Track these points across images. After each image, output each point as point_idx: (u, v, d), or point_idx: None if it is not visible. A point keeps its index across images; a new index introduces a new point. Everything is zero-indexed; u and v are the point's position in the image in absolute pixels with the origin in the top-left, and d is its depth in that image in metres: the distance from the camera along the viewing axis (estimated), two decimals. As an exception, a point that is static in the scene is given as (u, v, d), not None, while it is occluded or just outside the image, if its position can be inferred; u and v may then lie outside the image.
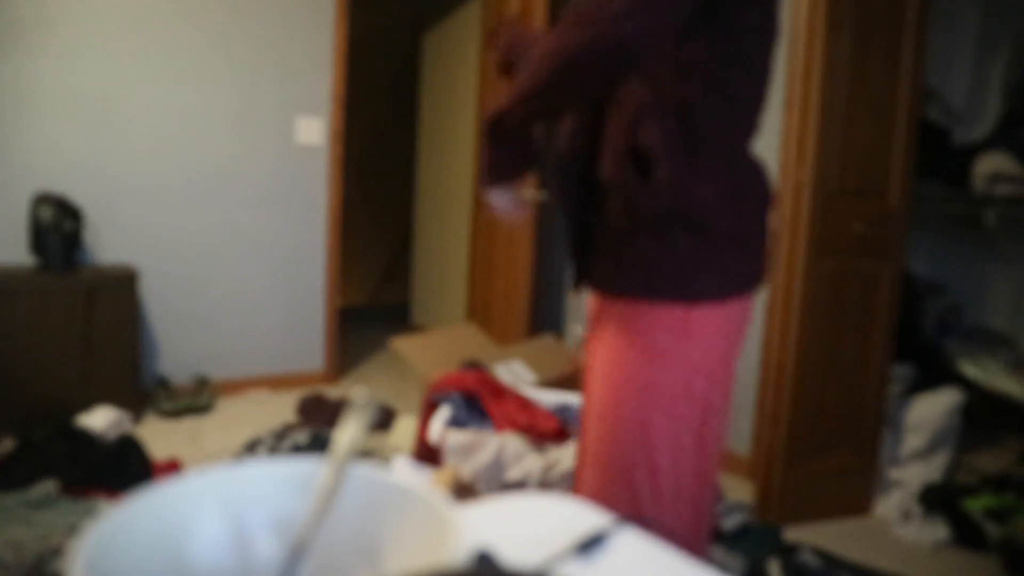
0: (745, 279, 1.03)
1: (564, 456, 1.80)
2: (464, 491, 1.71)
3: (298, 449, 2.62)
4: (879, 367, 2.44)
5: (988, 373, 2.59)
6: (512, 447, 1.85)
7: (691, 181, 0.98)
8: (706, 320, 1.00)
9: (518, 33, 1.25)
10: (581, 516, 0.74)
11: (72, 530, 1.94)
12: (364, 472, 0.50)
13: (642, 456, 1.01)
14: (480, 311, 3.78)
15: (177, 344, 3.35)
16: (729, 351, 1.04)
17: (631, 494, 1.03)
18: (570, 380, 2.80)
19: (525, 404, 2.10)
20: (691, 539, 1.05)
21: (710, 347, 1.01)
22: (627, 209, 1.01)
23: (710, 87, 0.97)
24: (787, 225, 2.25)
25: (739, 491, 2.50)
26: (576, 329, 3.56)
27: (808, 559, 2.11)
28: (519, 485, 1.75)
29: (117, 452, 2.31)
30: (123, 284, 2.92)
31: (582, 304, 3.57)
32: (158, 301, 3.29)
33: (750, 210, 1.02)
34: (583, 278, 1.14)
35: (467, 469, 1.83)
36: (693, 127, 0.98)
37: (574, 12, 0.90)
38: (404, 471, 1.84)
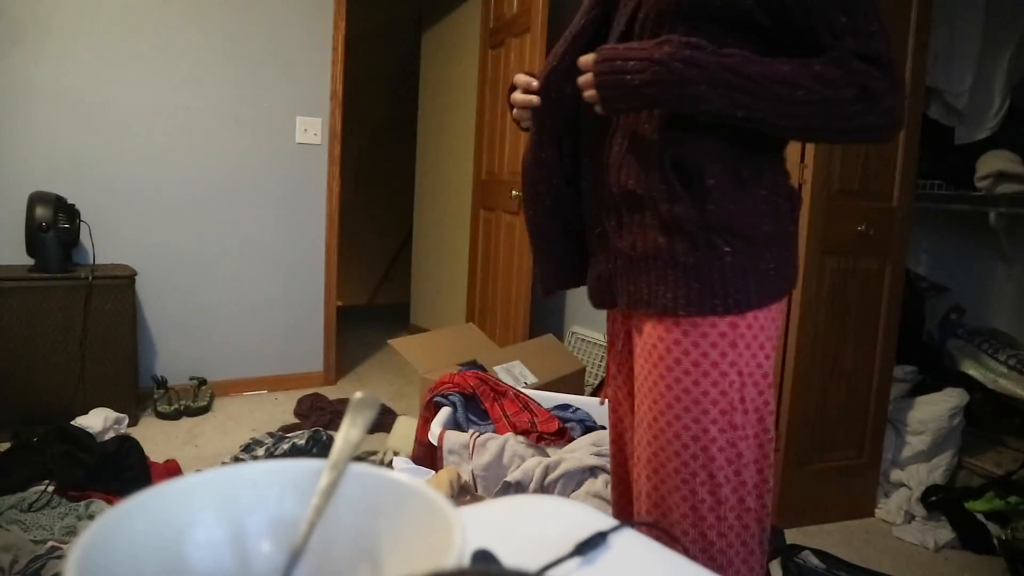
0: (784, 283, 1.03)
1: (564, 457, 1.78)
2: (464, 492, 1.70)
3: (297, 450, 2.61)
4: (881, 368, 2.43)
5: (991, 374, 2.57)
6: (512, 448, 1.83)
7: (736, 189, 0.97)
8: (752, 328, 1.00)
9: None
10: (581, 517, 0.73)
11: (69, 532, 1.93)
12: (363, 472, 0.49)
13: (703, 472, 1.00)
14: (480, 311, 3.77)
15: (175, 345, 3.34)
16: (772, 356, 1.03)
17: (694, 513, 1.01)
18: (570, 381, 2.79)
19: (525, 405, 2.09)
20: (759, 553, 1.03)
21: (757, 354, 1.00)
22: (666, 222, 0.98)
23: None
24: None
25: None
26: (577, 330, 3.55)
27: (810, 561, 2.10)
28: (519, 486, 1.74)
29: (114, 454, 2.30)
30: (120, 284, 2.91)
31: (582, 304, 3.56)
32: (156, 301, 3.27)
33: (786, 214, 1.02)
34: (604, 299, 1.11)
35: (467, 470, 1.81)
36: (740, 135, 0.98)
37: (862, 72, 0.89)
38: (405, 472, 1.82)
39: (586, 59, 0.99)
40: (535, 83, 1.12)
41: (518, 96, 1.14)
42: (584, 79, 0.99)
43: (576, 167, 1.15)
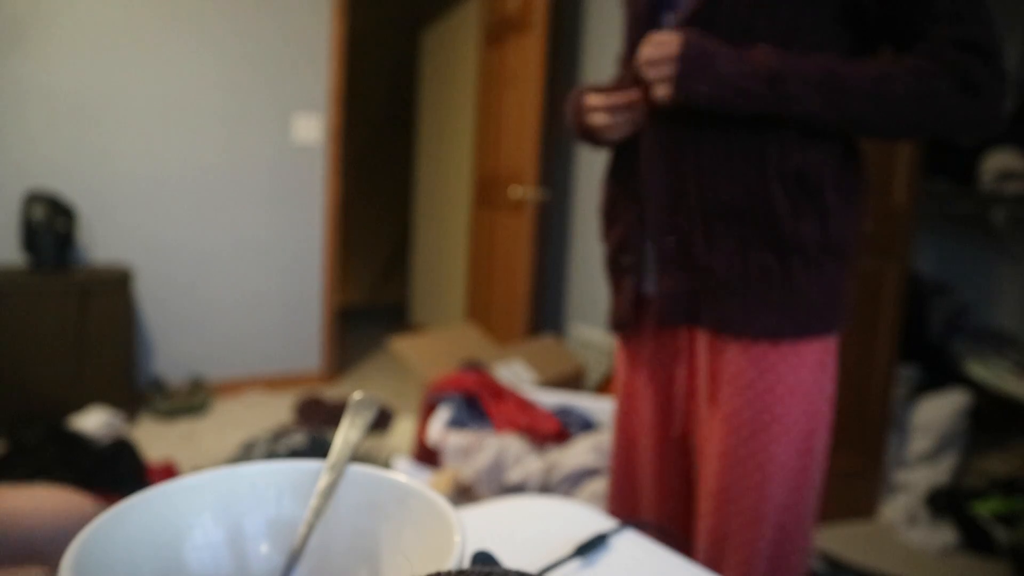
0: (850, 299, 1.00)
1: (564, 457, 1.77)
2: (464, 493, 1.69)
3: (295, 451, 2.59)
4: (885, 368, 2.42)
5: (996, 374, 2.56)
6: (512, 448, 1.82)
7: (846, 205, 0.93)
8: (834, 349, 0.98)
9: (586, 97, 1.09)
10: (581, 518, 0.73)
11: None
12: (362, 473, 0.49)
13: (789, 499, 0.96)
14: (480, 311, 3.75)
15: (172, 344, 3.32)
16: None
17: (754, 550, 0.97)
18: (570, 381, 2.78)
19: (525, 405, 2.08)
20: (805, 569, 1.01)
21: (835, 377, 0.98)
22: (784, 241, 0.91)
23: None
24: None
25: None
26: (580, 330, 3.54)
27: (813, 563, 2.08)
28: (519, 487, 1.72)
29: (111, 454, 2.29)
30: (117, 283, 2.89)
31: (582, 304, 3.55)
32: (153, 301, 3.26)
33: (861, 228, 0.99)
34: (676, 318, 1.00)
35: (467, 470, 1.80)
36: (851, 146, 0.94)
37: (965, 64, 0.84)
38: (404, 472, 1.81)
39: (667, 36, 0.90)
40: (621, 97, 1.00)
41: (602, 117, 1.01)
42: (659, 53, 0.89)
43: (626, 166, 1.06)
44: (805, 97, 0.85)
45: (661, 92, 0.91)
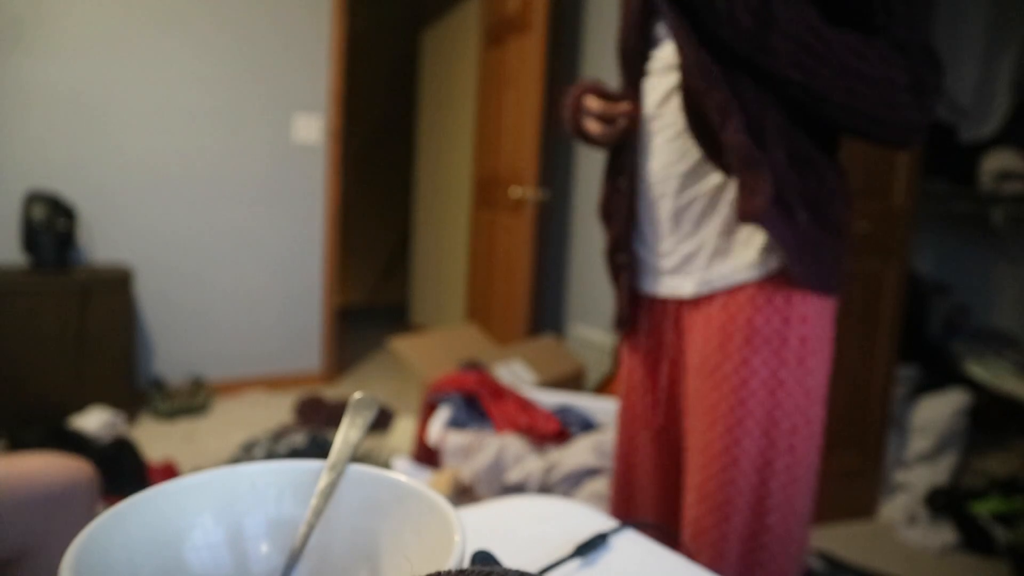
0: (836, 279, 0.99)
1: (564, 457, 1.77)
2: (465, 493, 1.69)
3: (295, 451, 2.59)
4: (884, 368, 2.42)
5: (995, 374, 2.56)
6: (512, 448, 1.82)
7: (819, 166, 0.94)
8: (826, 349, 0.97)
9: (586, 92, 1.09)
10: (581, 517, 0.73)
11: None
12: (362, 473, 0.49)
13: (765, 492, 0.96)
14: (480, 311, 3.75)
15: (172, 344, 3.32)
16: (831, 362, 1.01)
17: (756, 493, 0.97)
18: (570, 380, 2.78)
19: (525, 405, 2.08)
20: (803, 552, 1.00)
21: (825, 378, 0.97)
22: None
23: None
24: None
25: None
26: (580, 330, 3.54)
27: (812, 562, 2.08)
28: (519, 487, 1.72)
29: (111, 454, 2.29)
30: (117, 283, 2.89)
31: (583, 303, 3.55)
32: (153, 301, 3.26)
33: (846, 216, 1.00)
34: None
35: (467, 470, 1.80)
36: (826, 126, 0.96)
37: (916, 66, 0.85)
38: (404, 472, 1.81)
39: None
40: (621, 106, 1.01)
41: (609, 130, 1.02)
42: None
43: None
44: (782, 53, 0.85)
45: None
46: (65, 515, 1.01)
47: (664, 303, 1.08)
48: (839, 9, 0.89)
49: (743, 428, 0.94)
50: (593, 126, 1.02)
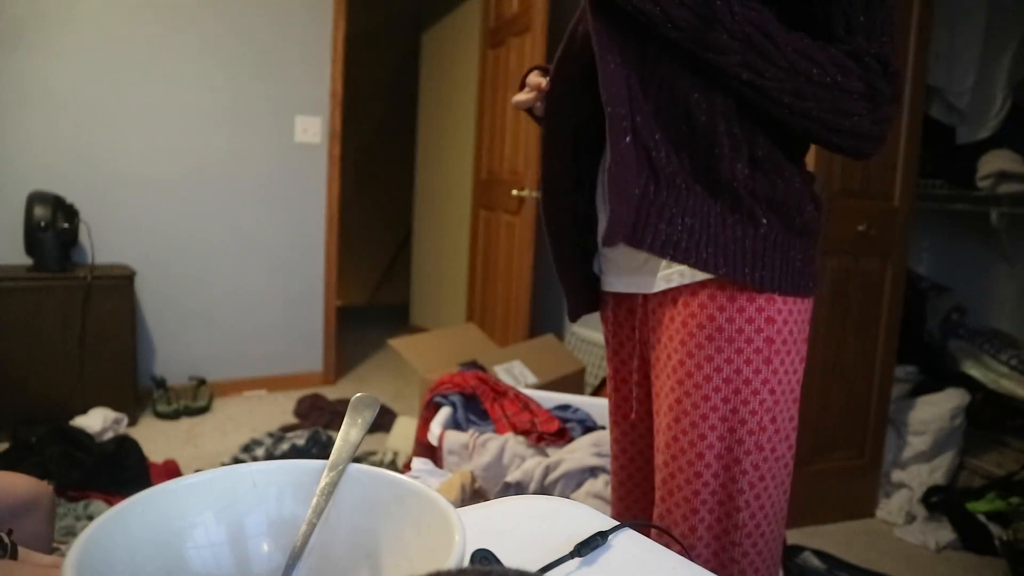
0: (808, 280, 0.98)
1: (564, 458, 1.78)
2: (477, 495, 1.69)
3: (296, 450, 2.60)
4: (882, 368, 2.43)
5: (993, 374, 2.57)
6: (512, 448, 1.83)
7: (781, 168, 0.93)
8: (785, 317, 0.96)
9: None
10: (581, 517, 0.73)
11: (68, 533, 1.92)
12: (363, 473, 0.49)
13: (733, 461, 0.96)
14: (480, 311, 3.76)
15: (174, 345, 3.33)
16: (803, 364, 1.01)
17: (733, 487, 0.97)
18: (570, 381, 2.79)
19: (525, 405, 2.08)
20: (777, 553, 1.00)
21: (791, 348, 0.97)
22: (717, 180, 0.92)
23: None
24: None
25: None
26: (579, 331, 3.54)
27: (811, 562, 2.09)
28: (519, 486, 1.73)
29: (113, 454, 2.30)
30: (120, 284, 2.90)
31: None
32: (156, 301, 3.27)
33: (814, 212, 0.99)
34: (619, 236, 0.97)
35: (467, 470, 1.80)
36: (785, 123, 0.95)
37: (868, 67, 0.85)
38: (419, 473, 1.82)
39: None
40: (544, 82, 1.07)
41: (522, 95, 1.10)
42: None
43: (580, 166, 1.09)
44: (729, 52, 0.85)
45: None
46: (31, 523, 1.12)
47: (631, 299, 1.09)
48: (800, 17, 0.89)
49: (707, 423, 0.94)
50: (520, 95, 1.11)
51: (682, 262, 0.93)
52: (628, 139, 0.92)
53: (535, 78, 1.10)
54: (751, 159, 0.91)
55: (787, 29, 0.86)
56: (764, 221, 0.92)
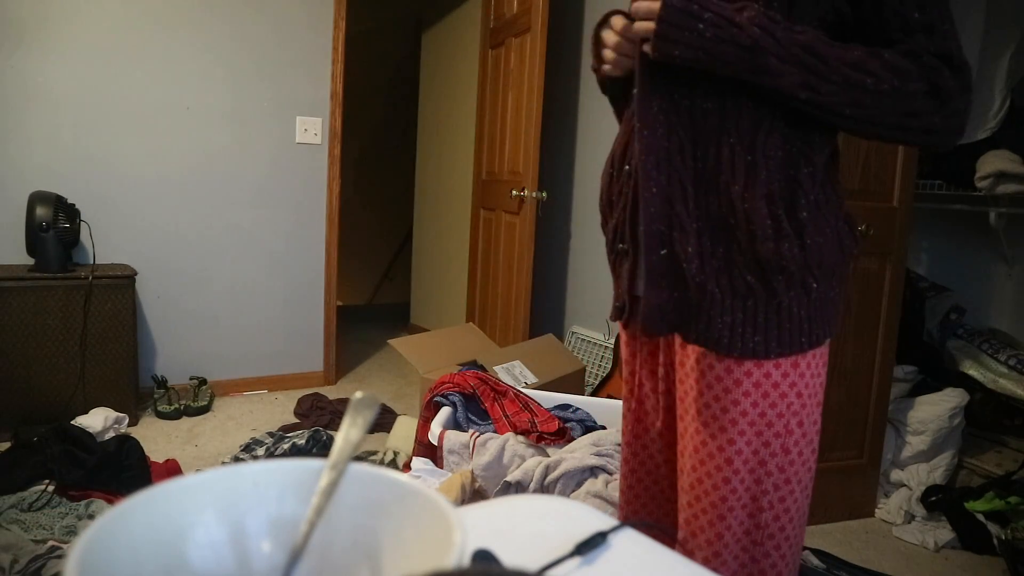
0: (842, 307, 1.02)
1: (564, 457, 1.78)
2: (477, 495, 1.70)
3: (297, 450, 2.61)
4: (881, 368, 2.43)
5: (991, 374, 2.57)
6: (512, 448, 1.83)
7: (822, 219, 0.92)
8: (816, 355, 0.98)
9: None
10: (581, 517, 0.73)
11: (69, 532, 1.93)
12: (363, 472, 0.49)
13: (760, 493, 0.97)
14: (480, 311, 3.76)
15: (175, 345, 3.34)
16: (825, 381, 1.03)
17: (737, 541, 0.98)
18: (570, 380, 2.79)
19: (525, 405, 2.09)
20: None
21: (816, 377, 0.98)
22: (766, 261, 0.91)
23: None
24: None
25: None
26: (578, 331, 3.55)
27: (810, 561, 2.10)
28: (519, 486, 1.74)
29: (114, 453, 2.30)
30: (121, 284, 2.91)
31: (582, 304, 3.56)
32: (156, 301, 3.27)
33: (851, 241, 1.00)
34: (661, 329, 0.99)
35: (467, 470, 1.81)
36: (835, 152, 0.96)
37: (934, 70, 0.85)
38: (421, 473, 1.83)
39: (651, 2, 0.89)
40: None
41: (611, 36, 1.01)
42: (646, 7, 0.89)
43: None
44: (782, 74, 0.85)
45: (645, 48, 0.91)
46: None
47: None
48: (856, 26, 0.89)
49: (736, 428, 0.95)
50: (608, 54, 1.03)
51: (727, 355, 0.94)
52: (664, 251, 0.95)
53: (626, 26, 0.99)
54: (797, 229, 0.91)
55: (836, 44, 0.86)
56: (815, 285, 0.92)
